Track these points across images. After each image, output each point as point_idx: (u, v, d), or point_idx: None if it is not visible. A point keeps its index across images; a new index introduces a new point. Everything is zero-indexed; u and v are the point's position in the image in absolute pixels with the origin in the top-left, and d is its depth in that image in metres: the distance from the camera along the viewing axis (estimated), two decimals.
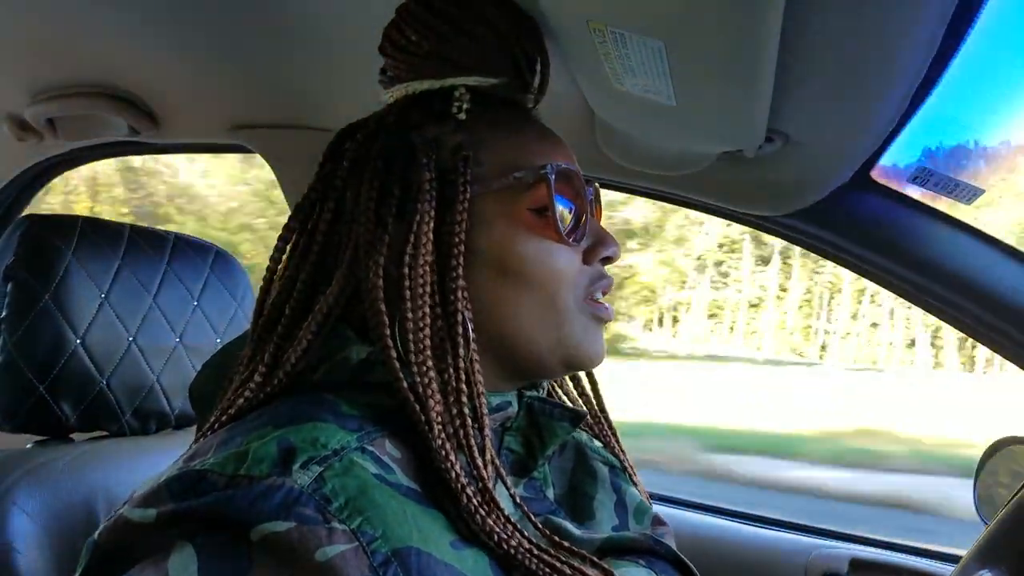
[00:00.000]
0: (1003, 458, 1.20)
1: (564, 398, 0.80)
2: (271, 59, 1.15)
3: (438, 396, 0.58)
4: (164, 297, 1.06)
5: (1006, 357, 1.06)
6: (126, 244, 1.03)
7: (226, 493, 0.49)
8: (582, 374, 0.82)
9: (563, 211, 0.67)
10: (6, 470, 0.86)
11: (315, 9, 0.97)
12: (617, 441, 0.82)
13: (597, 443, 0.81)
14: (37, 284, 0.93)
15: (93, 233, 1.00)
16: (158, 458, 0.99)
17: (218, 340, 1.13)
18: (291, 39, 1.08)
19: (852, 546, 1.32)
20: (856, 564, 1.29)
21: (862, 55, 0.72)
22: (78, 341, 0.95)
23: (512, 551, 0.55)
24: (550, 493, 0.71)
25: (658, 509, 0.80)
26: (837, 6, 0.65)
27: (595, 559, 0.60)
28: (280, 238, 0.68)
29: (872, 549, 1.31)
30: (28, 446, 0.97)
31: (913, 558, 1.28)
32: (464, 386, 0.60)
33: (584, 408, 0.80)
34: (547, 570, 0.55)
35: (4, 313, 0.92)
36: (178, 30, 1.08)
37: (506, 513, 0.57)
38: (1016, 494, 0.90)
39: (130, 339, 1.01)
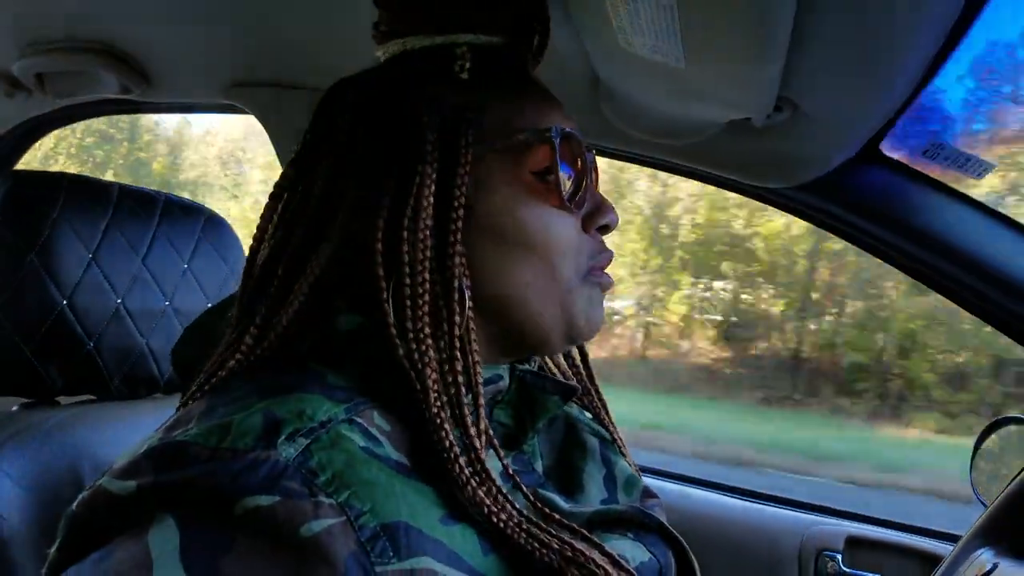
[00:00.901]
0: (1000, 438, 1.19)
1: (555, 371, 0.79)
2: (268, 16, 1.12)
3: (434, 364, 0.57)
4: (154, 259, 1.04)
5: (1011, 336, 1.05)
6: (115, 203, 1.00)
7: (209, 466, 0.47)
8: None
9: (564, 175, 0.65)
10: None
11: None
12: (607, 414, 0.81)
13: (587, 415, 0.80)
14: (22, 242, 0.90)
15: (80, 191, 0.97)
16: (146, 423, 0.97)
17: (208, 304, 1.11)
18: None
19: (848, 523, 1.32)
20: (852, 541, 1.28)
21: (877, 26, 0.69)
22: (64, 302, 0.92)
23: (502, 524, 0.54)
24: (539, 466, 0.70)
25: (652, 483, 0.79)
26: None
27: (584, 532, 0.58)
28: (272, 196, 0.65)
29: (868, 526, 1.31)
30: (14, 408, 0.95)
31: (909, 536, 1.28)
32: (459, 355, 0.58)
33: (575, 383, 0.78)
34: (535, 544, 0.54)
35: None
36: None
37: (498, 484, 0.55)
38: (1018, 474, 0.89)
39: (118, 301, 0.99)
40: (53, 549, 0.51)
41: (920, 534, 1.29)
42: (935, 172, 1.05)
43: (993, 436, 1.20)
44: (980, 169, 0.97)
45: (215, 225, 1.14)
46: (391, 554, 0.48)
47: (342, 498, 0.48)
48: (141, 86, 1.34)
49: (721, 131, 1.02)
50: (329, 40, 1.15)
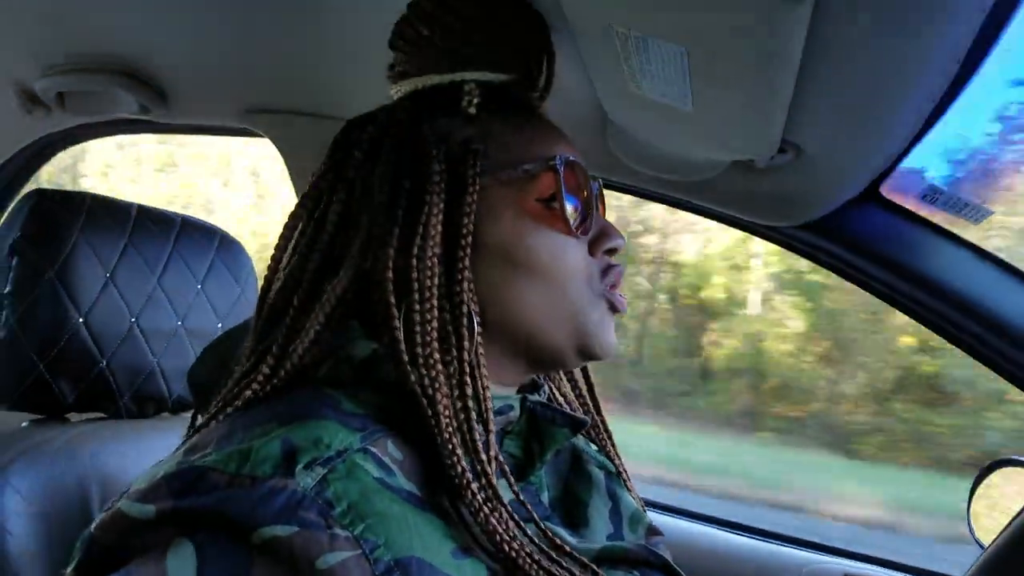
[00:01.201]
0: (998, 479, 1.20)
1: (563, 402, 0.80)
2: (286, 44, 1.15)
3: (445, 390, 0.58)
4: (169, 279, 1.05)
5: (1006, 378, 1.06)
6: (133, 223, 1.02)
7: (228, 493, 0.48)
8: (579, 377, 0.82)
9: (569, 203, 0.68)
10: (2, 450, 0.85)
11: None
12: (613, 446, 0.82)
13: (593, 447, 0.81)
14: (43, 260, 0.92)
15: (101, 211, 0.99)
16: (154, 442, 0.98)
17: (220, 325, 1.13)
18: (307, 26, 1.07)
19: (846, 562, 1.33)
20: None
21: (882, 72, 0.71)
22: (80, 320, 0.94)
23: (514, 554, 0.55)
24: (545, 498, 0.71)
25: (652, 517, 0.80)
26: (860, 22, 0.64)
27: (593, 567, 0.60)
28: (286, 226, 0.68)
29: (865, 565, 1.32)
30: (23, 424, 0.96)
31: (904, 575, 1.29)
32: (468, 380, 0.60)
33: (584, 415, 0.80)
34: None
35: (8, 288, 0.91)
36: (194, 9, 1.08)
37: (510, 511, 0.57)
38: (1016, 517, 0.90)
39: (133, 320, 1.00)
40: (69, 570, 0.52)
41: (917, 574, 1.29)
42: (934, 216, 1.07)
43: (990, 477, 1.21)
44: (978, 215, 0.99)
45: (229, 246, 1.16)
46: None
47: (357, 530, 0.49)
48: (159, 107, 1.36)
49: (725, 170, 1.04)
50: (343, 70, 1.17)
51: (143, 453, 0.95)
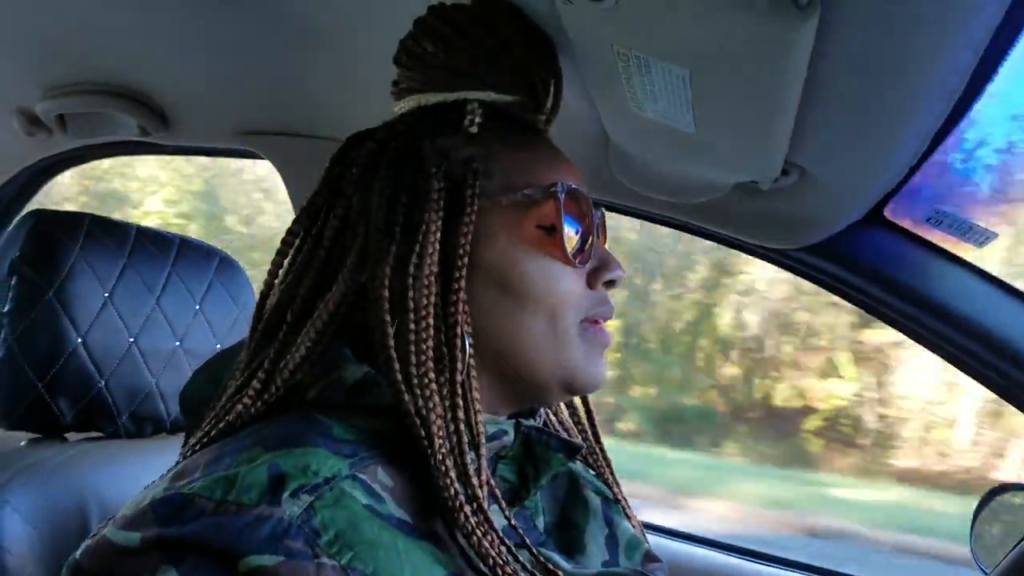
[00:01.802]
0: (1000, 505, 1.19)
1: (559, 428, 0.79)
2: (285, 66, 1.15)
3: (439, 410, 0.57)
4: (167, 299, 1.05)
5: (1011, 403, 1.06)
6: (132, 244, 1.02)
7: (213, 520, 0.48)
8: (579, 404, 0.81)
9: (570, 231, 0.67)
10: (1, 468, 0.85)
11: (331, 19, 0.97)
12: (611, 473, 0.81)
13: (591, 472, 0.80)
14: (42, 280, 0.92)
15: (100, 231, 0.99)
16: (152, 462, 0.97)
17: (218, 345, 1.12)
18: (306, 47, 1.08)
19: None
20: None
21: (886, 94, 0.71)
22: (79, 340, 0.94)
23: None
24: (540, 522, 0.70)
25: (654, 540, 0.79)
26: (863, 44, 0.65)
27: None
28: (283, 242, 0.67)
29: None
30: (22, 443, 0.96)
31: None
32: (460, 402, 0.59)
33: (580, 440, 0.79)
34: None
35: (7, 307, 0.91)
36: (193, 32, 1.08)
37: (501, 535, 0.56)
38: (1017, 545, 0.89)
39: (131, 340, 1.00)
40: None
41: None
42: (938, 238, 1.07)
43: (993, 503, 1.20)
44: (982, 238, 0.99)
45: (228, 266, 1.16)
46: None
47: (345, 560, 0.49)
48: (159, 129, 1.37)
49: (728, 192, 1.04)
50: (342, 91, 1.18)
51: (141, 473, 0.94)
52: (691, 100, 0.73)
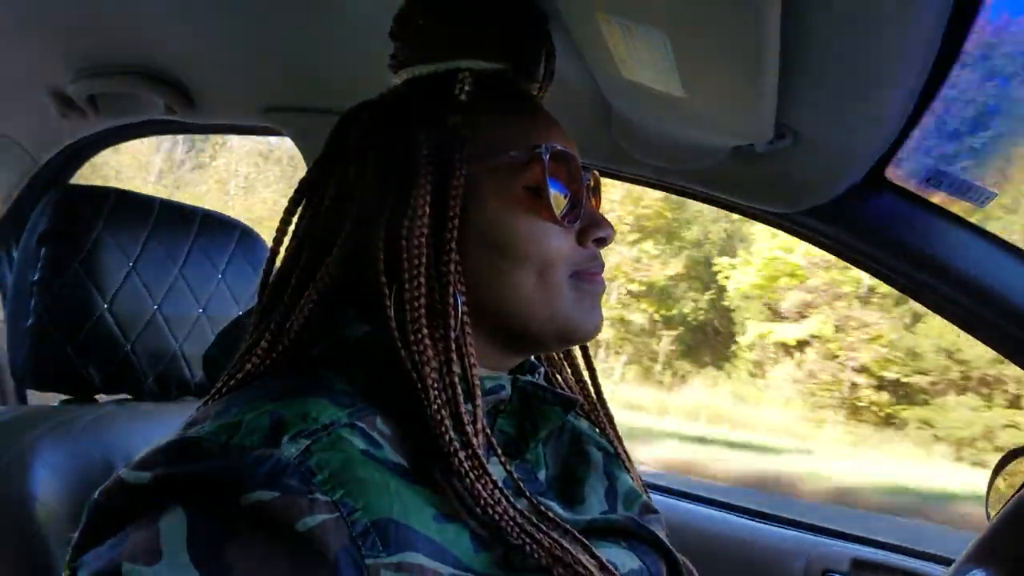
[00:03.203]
0: (1016, 467, 1.19)
1: (563, 385, 0.82)
2: (305, 44, 1.19)
3: (433, 363, 0.60)
4: (190, 269, 1.10)
5: (1013, 361, 1.06)
6: (155, 217, 1.07)
7: (218, 461, 0.52)
8: (580, 361, 0.84)
9: (556, 193, 0.69)
10: (33, 425, 0.90)
11: None
12: (613, 429, 0.83)
13: (596, 430, 0.82)
14: (69, 250, 0.97)
15: (124, 205, 1.04)
16: (176, 422, 0.99)
17: (240, 313, 1.17)
18: (324, 25, 1.11)
19: (853, 546, 1.32)
20: (857, 564, 1.29)
21: (864, 52, 0.72)
22: (105, 306, 0.99)
23: (497, 516, 0.57)
24: (541, 475, 0.72)
25: (658, 500, 0.81)
26: (840, 4, 0.66)
27: (576, 533, 0.61)
28: (287, 210, 0.71)
29: (873, 550, 1.31)
30: (55, 404, 1.02)
31: (914, 560, 1.28)
32: (455, 356, 0.62)
33: (579, 396, 0.81)
34: (526, 539, 0.57)
35: (36, 276, 0.97)
36: (216, 12, 1.12)
37: (495, 479, 0.59)
38: (1012, 496, 0.90)
39: (155, 307, 1.05)
40: (76, 534, 0.55)
41: (925, 559, 1.29)
42: (941, 199, 1.07)
43: (1010, 464, 1.21)
44: (983, 197, 0.99)
45: (249, 238, 1.21)
46: (380, 548, 0.52)
47: (337, 496, 0.52)
48: (184, 107, 1.42)
49: (728, 157, 1.06)
50: (358, 66, 1.21)
51: (166, 432, 0.98)
52: (676, 63, 0.75)
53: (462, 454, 0.58)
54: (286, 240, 0.71)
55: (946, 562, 1.27)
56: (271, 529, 0.50)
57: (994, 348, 1.08)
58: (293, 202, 0.71)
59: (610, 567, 0.60)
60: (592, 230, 0.72)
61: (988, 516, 1.16)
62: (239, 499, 0.50)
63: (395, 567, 0.52)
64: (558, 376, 0.82)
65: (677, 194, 1.25)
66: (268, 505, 0.50)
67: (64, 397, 1.03)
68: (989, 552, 0.87)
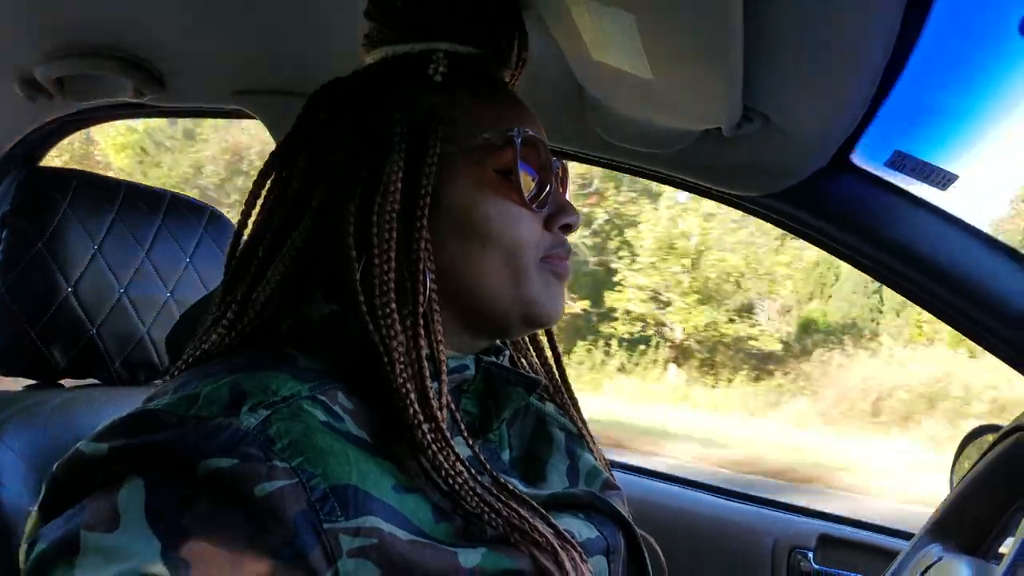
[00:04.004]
0: (978, 445, 1.22)
1: (527, 368, 0.83)
2: (275, 26, 1.18)
3: (400, 338, 0.61)
4: (157, 252, 1.09)
5: (976, 342, 1.08)
6: (121, 199, 1.06)
7: (176, 431, 0.52)
8: (545, 344, 0.84)
9: (527, 177, 0.70)
10: None
11: None
12: (577, 411, 0.84)
13: (560, 412, 0.83)
14: (32, 231, 0.96)
15: (89, 187, 1.03)
16: None
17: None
18: (297, 6, 1.10)
19: (821, 522, 1.35)
20: (824, 539, 1.31)
21: (826, 37, 0.74)
22: (69, 289, 0.98)
23: (458, 487, 0.58)
24: (505, 456, 0.73)
25: (626, 479, 0.82)
26: None
27: (534, 505, 0.62)
28: (255, 183, 0.70)
29: (839, 526, 1.34)
30: (20, 389, 1.01)
31: (878, 536, 1.31)
32: (422, 332, 0.63)
33: (543, 378, 0.82)
34: (484, 508, 0.58)
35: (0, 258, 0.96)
36: None
37: (456, 452, 0.59)
38: (966, 473, 0.92)
39: (121, 291, 1.04)
40: (35, 508, 0.55)
41: (889, 534, 1.32)
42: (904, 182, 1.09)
43: (973, 443, 1.23)
44: (944, 180, 1.01)
45: (218, 222, 1.20)
46: (339, 513, 0.53)
47: (295, 463, 0.52)
48: (154, 90, 1.40)
49: (698, 141, 1.06)
50: (329, 51, 1.20)
51: None
52: (642, 46, 0.76)
53: (426, 426, 0.58)
54: (254, 214, 0.70)
55: (908, 537, 1.30)
56: (229, 495, 0.50)
57: (955, 328, 1.10)
58: (263, 175, 0.71)
59: (566, 535, 0.61)
60: (559, 216, 0.73)
61: (950, 486, 1.19)
62: (197, 466, 0.50)
63: (354, 531, 0.53)
64: (523, 360, 0.83)
65: (647, 178, 1.26)
66: (226, 472, 0.50)
67: (29, 382, 1.02)
68: (945, 526, 0.89)
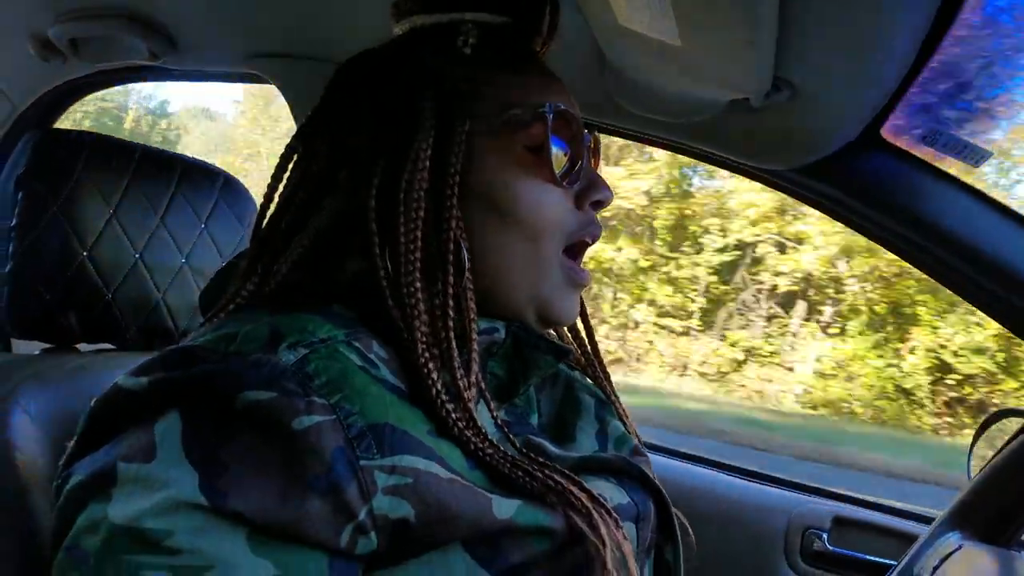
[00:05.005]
0: (998, 430, 1.20)
1: (558, 338, 0.82)
2: None
3: (424, 317, 0.60)
4: (172, 218, 1.08)
5: (1000, 322, 1.06)
6: (136, 163, 1.04)
7: (215, 365, 0.52)
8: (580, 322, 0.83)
9: (558, 152, 0.68)
10: (12, 373, 0.89)
11: None
12: (609, 383, 0.83)
13: (589, 380, 0.83)
14: (47, 194, 0.95)
15: (104, 150, 1.01)
16: None
17: (223, 263, 1.15)
18: None
19: (836, 503, 1.34)
20: (839, 521, 1.30)
21: (863, 6, 0.71)
22: (85, 254, 0.97)
23: (488, 458, 0.57)
24: (533, 419, 0.73)
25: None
26: None
27: (566, 471, 0.61)
28: (283, 157, 0.70)
29: (855, 507, 1.33)
30: (36, 352, 1.00)
31: (893, 518, 1.30)
32: (452, 311, 0.62)
33: (572, 346, 0.81)
34: (519, 473, 0.57)
35: (14, 222, 0.94)
36: None
37: (484, 429, 0.59)
38: (989, 461, 0.91)
39: (136, 256, 1.03)
40: (72, 442, 0.55)
41: (905, 517, 1.30)
42: (936, 159, 1.06)
43: (992, 427, 1.22)
44: (977, 156, 0.98)
45: (232, 187, 1.18)
46: (375, 451, 0.52)
47: (334, 400, 0.52)
48: (168, 52, 1.39)
49: (724, 112, 1.04)
50: (344, 13, 1.18)
51: None
52: (672, 10, 0.73)
53: (450, 405, 0.58)
54: (280, 187, 0.69)
55: (927, 520, 1.29)
56: (266, 428, 0.50)
57: (981, 309, 1.08)
58: (290, 149, 0.70)
59: (600, 499, 0.60)
60: (590, 192, 0.71)
61: (969, 477, 1.18)
62: (235, 399, 0.50)
63: (390, 469, 0.52)
64: (552, 332, 0.82)
65: (669, 149, 1.24)
66: (264, 404, 0.50)
67: (45, 346, 1.02)
68: (966, 514, 0.88)
